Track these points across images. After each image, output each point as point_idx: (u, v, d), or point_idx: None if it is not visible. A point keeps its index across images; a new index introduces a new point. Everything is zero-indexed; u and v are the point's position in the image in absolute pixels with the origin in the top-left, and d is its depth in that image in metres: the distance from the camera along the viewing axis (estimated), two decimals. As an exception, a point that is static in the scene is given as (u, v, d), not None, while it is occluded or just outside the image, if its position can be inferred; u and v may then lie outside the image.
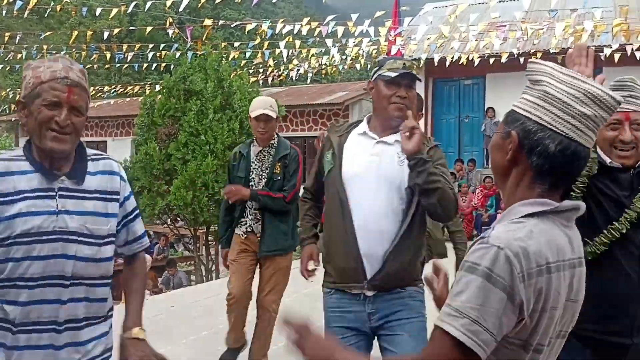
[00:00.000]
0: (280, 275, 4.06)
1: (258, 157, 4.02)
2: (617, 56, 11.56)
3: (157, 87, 12.96)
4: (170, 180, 10.97)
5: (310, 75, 17.22)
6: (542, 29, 11.60)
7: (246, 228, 4.04)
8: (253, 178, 4.01)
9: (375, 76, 2.50)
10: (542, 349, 1.26)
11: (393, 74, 2.42)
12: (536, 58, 10.14)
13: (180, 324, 5.59)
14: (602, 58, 11.88)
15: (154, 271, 12.44)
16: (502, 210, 1.42)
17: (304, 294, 6.71)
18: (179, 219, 12.42)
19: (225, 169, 5.39)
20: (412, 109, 2.44)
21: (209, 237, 12.10)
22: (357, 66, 17.02)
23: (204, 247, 12.36)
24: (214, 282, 9.66)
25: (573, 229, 1.33)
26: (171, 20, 11.61)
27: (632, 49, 11.33)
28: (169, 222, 12.20)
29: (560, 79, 1.27)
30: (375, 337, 2.49)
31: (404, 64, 2.45)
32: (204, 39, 12.99)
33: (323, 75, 21.32)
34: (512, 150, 1.29)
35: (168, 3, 10.69)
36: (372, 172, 2.41)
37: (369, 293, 2.40)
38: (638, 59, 11.44)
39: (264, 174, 3.99)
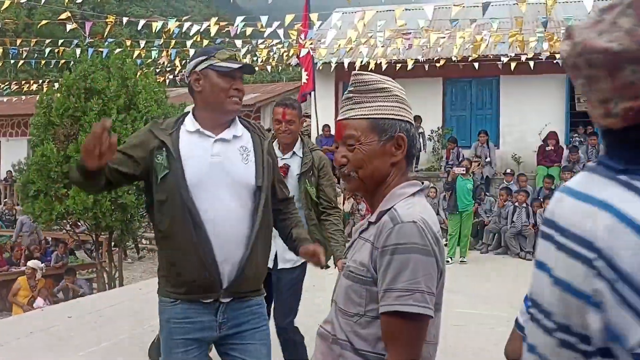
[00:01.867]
0: None
1: None
2: (513, 65, 12.24)
3: (56, 85, 12.26)
4: (69, 184, 10.41)
5: (220, 76, 16.87)
6: (444, 37, 12.07)
7: None
8: None
9: (204, 66, 2.30)
10: (440, 307, 1.44)
11: (233, 65, 2.29)
12: (440, 66, 10.49)
13: (78, 335, 5.26)
14: (500, 67, 12.55)
15: (53, 279, 11.77)
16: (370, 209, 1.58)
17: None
18: (79, 224, 11.81)
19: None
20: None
21: (112, 244, 11.60)
22: (269, 68, 16.93)
23: (106, 253, 11.82)
24: (116, 290, 9.27)
25: None
26: (69, 14, 10.96)
27: (527, 58, 12.04)
28: (69, 228, 11.56)
29: (394, 84, 1.56)
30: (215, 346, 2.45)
31: (235, 55, 2.36)
32: (105, 35, 12.41)
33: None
34: (404, 149, 1.50)
35: (68, -4, 10.16)
36: (217, 175, 2.26)
37: (225, 300, 2.29)
38: (532, 67, 12.18)
39: None
